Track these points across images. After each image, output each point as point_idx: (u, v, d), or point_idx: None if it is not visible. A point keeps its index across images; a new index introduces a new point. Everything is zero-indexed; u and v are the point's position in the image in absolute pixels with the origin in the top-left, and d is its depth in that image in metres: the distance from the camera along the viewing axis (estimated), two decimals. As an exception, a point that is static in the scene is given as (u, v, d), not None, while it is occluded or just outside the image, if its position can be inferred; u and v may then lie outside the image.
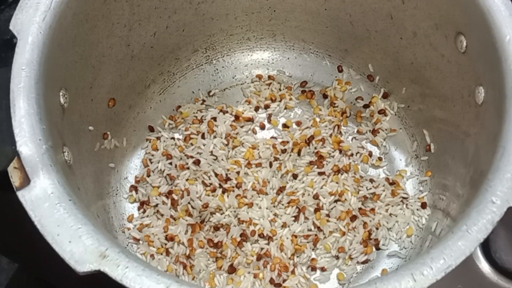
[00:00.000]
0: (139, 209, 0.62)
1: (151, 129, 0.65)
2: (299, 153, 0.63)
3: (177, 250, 0.58)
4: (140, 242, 0.59)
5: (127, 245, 0.59)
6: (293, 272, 0.58)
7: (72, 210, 0.40)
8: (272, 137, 0.65)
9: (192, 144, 0.64)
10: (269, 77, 0.69)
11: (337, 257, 0.59)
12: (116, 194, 0.62)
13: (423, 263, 0.39)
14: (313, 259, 0.59)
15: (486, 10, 0.48)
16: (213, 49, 0.69)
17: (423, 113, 0.63)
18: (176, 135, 0.65)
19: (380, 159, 0.65)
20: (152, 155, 0.64)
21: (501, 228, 0.60)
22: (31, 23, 0.45)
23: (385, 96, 0.67)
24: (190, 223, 0.59)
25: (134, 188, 0.62)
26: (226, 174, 0.61)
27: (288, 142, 0.64)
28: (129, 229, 0.60)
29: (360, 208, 0.61)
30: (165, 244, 0.59)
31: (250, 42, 0.70)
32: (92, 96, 0.56)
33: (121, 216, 0.61)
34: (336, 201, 0.61)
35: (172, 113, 0.67)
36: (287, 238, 0.59)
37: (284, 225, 0.60)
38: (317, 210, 0.60)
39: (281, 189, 0.62)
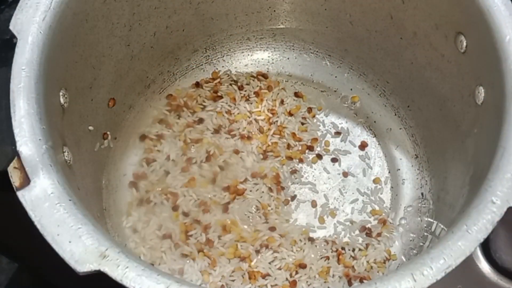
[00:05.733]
0: (137, 206, 0.62)
1: (143, 138, 0.65)
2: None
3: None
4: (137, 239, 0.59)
5: (126, 244, 0.59)
6: None
7: (72, 210, 0.40)
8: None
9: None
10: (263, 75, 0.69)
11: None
12: (116, 192, 0.62)
13: (423, 263, 0.39)
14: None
15: (486, 10, 0.48)
16: (213, 49, 0.69)
17: (423, 113, 0.63)
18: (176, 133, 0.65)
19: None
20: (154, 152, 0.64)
21: (501, 228, 0.60)
22: (31, 23, 0.45)
23: (384, 96, 0.67)
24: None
25: (133, 184, 0.62)
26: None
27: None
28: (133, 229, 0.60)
29: None
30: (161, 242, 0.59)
31: (250, 42, 0.70)
32: (92, 96, 0.56)
33: (120, 214, 0.61)
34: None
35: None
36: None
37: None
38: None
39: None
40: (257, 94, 0.67)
